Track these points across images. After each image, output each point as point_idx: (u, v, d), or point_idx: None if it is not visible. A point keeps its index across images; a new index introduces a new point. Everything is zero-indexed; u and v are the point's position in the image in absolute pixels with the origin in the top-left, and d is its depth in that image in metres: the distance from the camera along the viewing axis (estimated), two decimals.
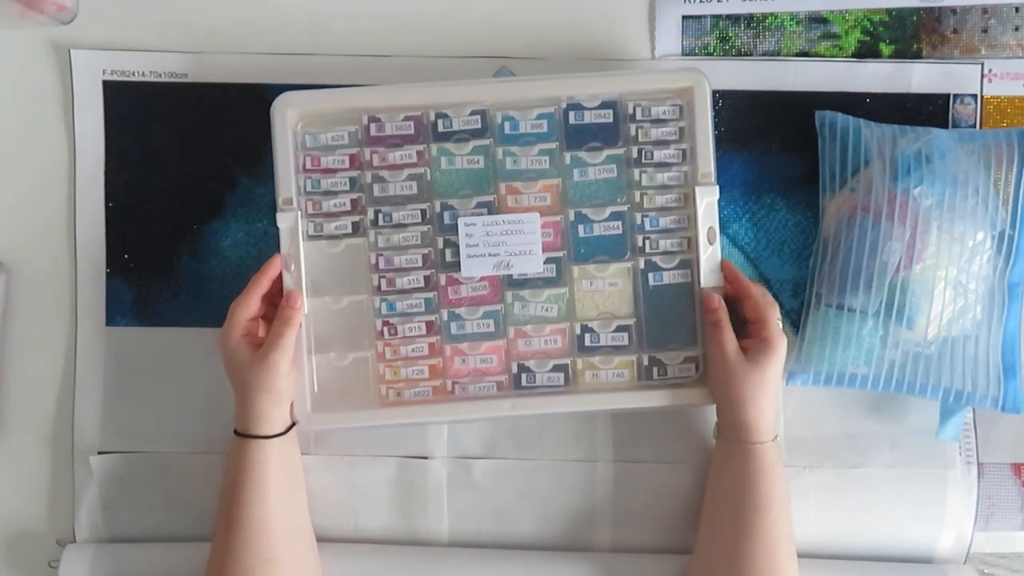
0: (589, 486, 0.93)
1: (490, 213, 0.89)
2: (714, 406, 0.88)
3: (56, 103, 0.95)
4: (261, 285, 0.86)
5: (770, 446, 0.84)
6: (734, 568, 0.83)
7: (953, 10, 0.93)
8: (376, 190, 0.89)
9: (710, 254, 0.88)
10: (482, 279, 0.89)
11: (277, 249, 0.88)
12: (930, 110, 0.93)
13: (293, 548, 0.85)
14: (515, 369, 0.90)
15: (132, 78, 0.94)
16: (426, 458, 0.93)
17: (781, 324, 0.86)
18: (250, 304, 0.86)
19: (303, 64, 0.94)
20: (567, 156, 0.89)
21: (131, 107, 0.94)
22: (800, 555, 0.87)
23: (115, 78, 0.94)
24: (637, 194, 0.89)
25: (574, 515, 0.93)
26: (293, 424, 0.87)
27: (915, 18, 0.94)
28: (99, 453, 0.93)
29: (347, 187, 0.89)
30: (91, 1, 0.95)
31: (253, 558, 0.82)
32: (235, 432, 0.85)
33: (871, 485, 0.91)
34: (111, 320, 0.94)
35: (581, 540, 0.93)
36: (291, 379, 0.86)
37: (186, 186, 0.94)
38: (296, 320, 0.86)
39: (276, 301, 0.87)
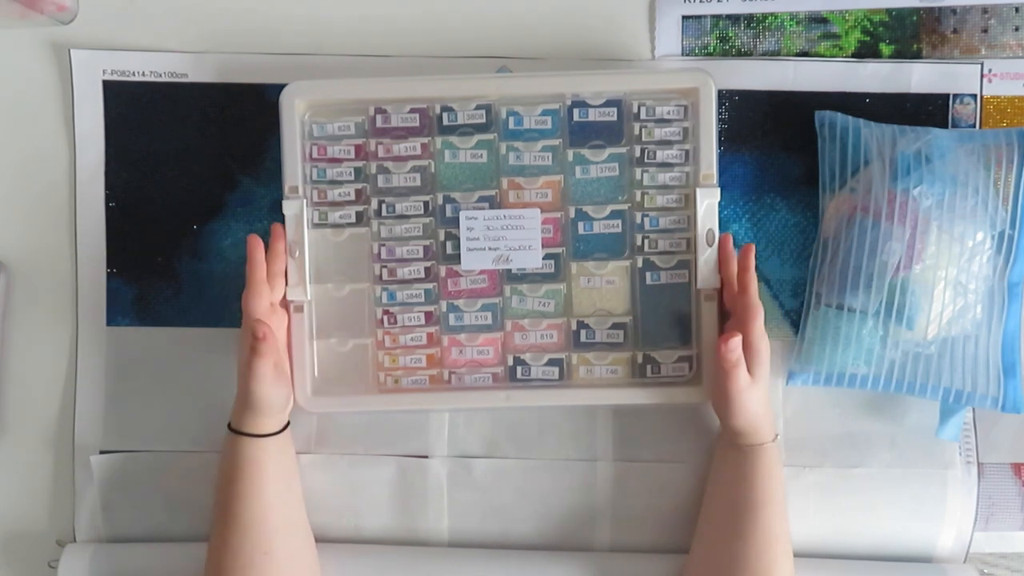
0: (589, 486, 0.92)
1: (491, 207, 0.89)
2: (709, 404, 0.88)
3: (56, 103, 0.95)
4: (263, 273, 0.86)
5: (765, 447, 0.84)
6: (728, 565, 0.83)
7: (953, 10, 0.93)
8: (380, 181, 0.90)
9: (708, 256, 0.88)
10: (481, 272, 0.90)
11: None
12: (930, 110, 0.93)
13: (292, 542, 0.85)
14: (511, 362, 0.90)
15: (132, 78, 0.94)
16: (426, 457, 0.93)
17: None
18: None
19: (303, 64, 0.94)
20: (570, 153, 0.89)
21: (131, 107, 0.94)
22: (800, 555, 0.87)
23: (115, 78, 0.94)
24: (638, 193, 0.89)
25: (574, 514, 0.92)
26: (287, 424, 0.87)
27: (915, 18, 0.94)
28: (99, 453, 0.93)
29: (352, 177, 0.90)
30: (91, 1, 0.95)
31: (252, 552, 0.82)
32: (230, 429, 0.85)
33: (871, 485, 0.91)
34: (111, 320, 0.94)
35: (581, 539, 0.92)
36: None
37: (186, 186, 0.94)
38: (268, 348, 0.83)
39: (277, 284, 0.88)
